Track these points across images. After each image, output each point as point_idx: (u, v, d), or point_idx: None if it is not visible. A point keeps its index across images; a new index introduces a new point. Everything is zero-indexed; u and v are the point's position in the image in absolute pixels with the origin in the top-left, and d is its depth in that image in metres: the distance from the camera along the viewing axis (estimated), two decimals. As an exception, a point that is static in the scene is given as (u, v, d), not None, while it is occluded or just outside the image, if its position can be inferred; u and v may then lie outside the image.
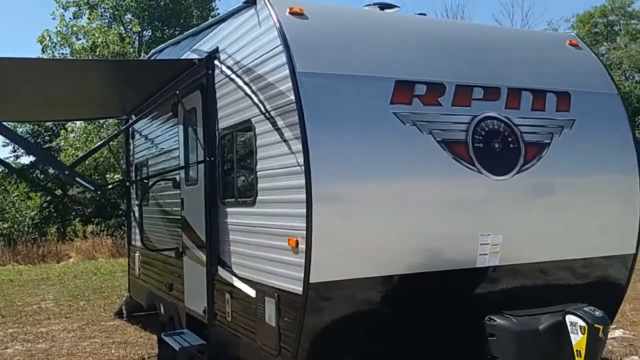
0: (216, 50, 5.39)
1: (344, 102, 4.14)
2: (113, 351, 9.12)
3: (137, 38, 26.42)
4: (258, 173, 4.58)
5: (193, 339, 5.95)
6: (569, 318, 3.76)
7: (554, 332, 3.78)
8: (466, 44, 4.95)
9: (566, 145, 4.79)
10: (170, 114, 6.63)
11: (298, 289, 3.95)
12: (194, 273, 6.03)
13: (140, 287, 8.46)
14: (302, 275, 3.91)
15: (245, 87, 4.76)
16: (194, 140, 5.94)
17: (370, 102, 4.23)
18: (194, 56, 5.95)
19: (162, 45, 8.05)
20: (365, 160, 4.12)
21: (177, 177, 6.42)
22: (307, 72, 4.05)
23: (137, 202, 8.71)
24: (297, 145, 3.96)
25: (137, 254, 8.67)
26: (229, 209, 5.18)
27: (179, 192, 6.38)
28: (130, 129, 8.89)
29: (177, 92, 5.81)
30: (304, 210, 3.87)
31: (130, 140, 8.95)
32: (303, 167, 3.88)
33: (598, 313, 3.75)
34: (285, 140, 4.13)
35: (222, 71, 5.28)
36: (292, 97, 3.99)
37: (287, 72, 4.06)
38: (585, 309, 3.79)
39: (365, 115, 4.20)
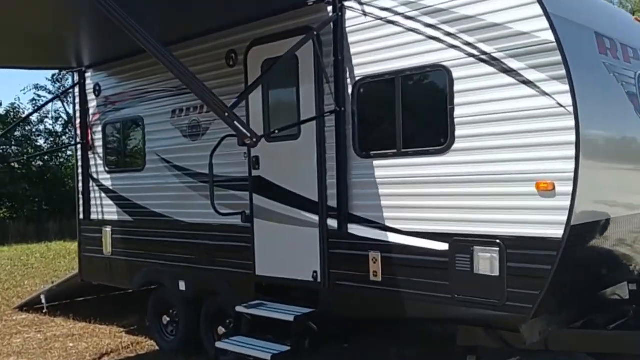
0: (349, -9, 4.98)
1: (578, 46, 4.16)
2: (71, 344, 7.85)
3: None
4: (456, 120, 4.36)
5: (287, 308, 5.42)
6: None
7: None
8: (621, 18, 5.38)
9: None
10: (225, 63, 5.94)
11: (554, 232, 3.89)
12: (283, 236, 5.50)
13: (119, 266, 7.35)
14: (561, 218, 3.86)
15: (429, 29, 4.48)
16: (291, 91, 5.41)
17: (590, 51, 4.31)
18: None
19: None
20: (603, 105, 4.22)
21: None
22: (556, 14, 3.99)
23: (106, 170, 7.58)
24: (557, 87, 3.88)
25: (108, 229, 7.52)
26: (378, 162, 4.84)
27: (244, 150, 5.74)
28: (93, 83, 7.72)
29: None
30: (571, 152, 3.83)
31: (94, 96, 7.72)
32: (571, 108, 3.82)
33: None
34: (526, 82, 4.01)
35: (364, 14, 4.89)
36: (551, 37, 3.90)
37: (540, 10, 3.95)
38: None
39: (592, 64, 4.28)
